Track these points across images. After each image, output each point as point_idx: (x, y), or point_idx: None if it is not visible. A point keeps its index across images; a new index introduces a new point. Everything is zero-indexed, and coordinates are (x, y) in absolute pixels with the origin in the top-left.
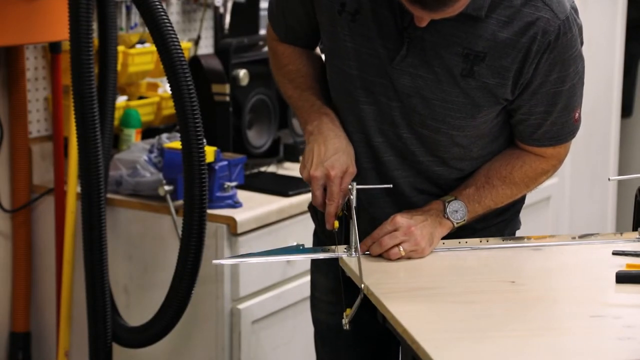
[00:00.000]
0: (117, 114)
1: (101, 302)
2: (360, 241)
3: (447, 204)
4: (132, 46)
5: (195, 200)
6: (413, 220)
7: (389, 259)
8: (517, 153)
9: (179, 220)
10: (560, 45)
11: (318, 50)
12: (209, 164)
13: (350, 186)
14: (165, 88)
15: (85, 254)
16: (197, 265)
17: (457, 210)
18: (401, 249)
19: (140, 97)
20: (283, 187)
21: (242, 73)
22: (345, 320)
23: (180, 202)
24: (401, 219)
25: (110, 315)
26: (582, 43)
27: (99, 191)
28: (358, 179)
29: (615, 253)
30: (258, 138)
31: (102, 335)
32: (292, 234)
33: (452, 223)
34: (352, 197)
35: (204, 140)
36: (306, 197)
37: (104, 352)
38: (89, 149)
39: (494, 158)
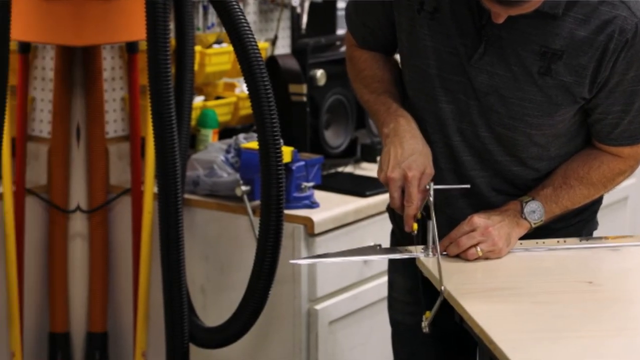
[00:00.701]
0: (194, 114)
1: (178, 302)
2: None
3: (524, 205)
4: (209, 46)
5: (272, 200)
6: (490, 220)
7: (467, 260)
8: (594, 153)
9: (256, 221)
10: (638, 44)
11: (396, 57)
12: (286, 165)
13: (427, 186)
14: (242, 88)
15: (162, 255)
16: (275, 265)
17: (535, 211)
18: (478, 250)
19: (218, 97)
20: (360, 187)
21: (320, 73)
22: (424, 323)
23: (257, 202)
24: (478, 220)
25: (187, 316)
26: None
27: (176, 191)
28: (436, 179)
29: None
30: (335, 138)
31: (179, 335)
32: (369, 234)
33: (530, 223)
34: (430, 197)
35: (281, 141)
36: (383, 198)
37: (180, 353)
38: (166, 149)
39: (571, 158)
